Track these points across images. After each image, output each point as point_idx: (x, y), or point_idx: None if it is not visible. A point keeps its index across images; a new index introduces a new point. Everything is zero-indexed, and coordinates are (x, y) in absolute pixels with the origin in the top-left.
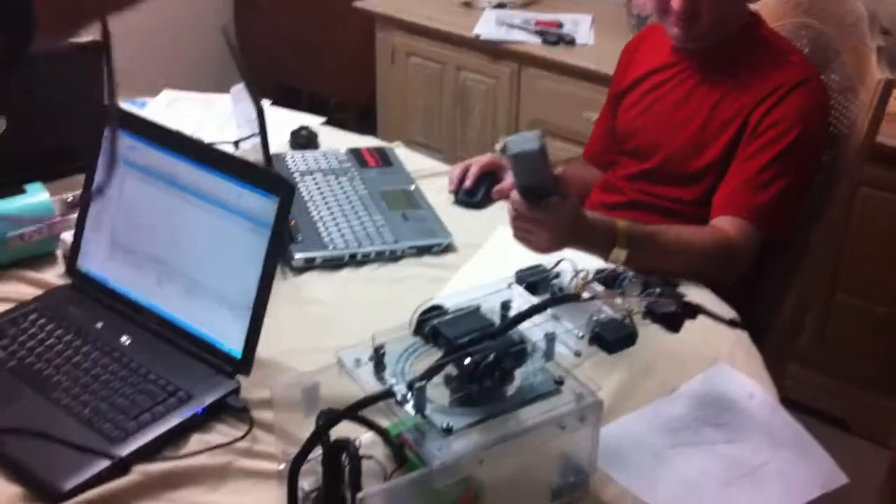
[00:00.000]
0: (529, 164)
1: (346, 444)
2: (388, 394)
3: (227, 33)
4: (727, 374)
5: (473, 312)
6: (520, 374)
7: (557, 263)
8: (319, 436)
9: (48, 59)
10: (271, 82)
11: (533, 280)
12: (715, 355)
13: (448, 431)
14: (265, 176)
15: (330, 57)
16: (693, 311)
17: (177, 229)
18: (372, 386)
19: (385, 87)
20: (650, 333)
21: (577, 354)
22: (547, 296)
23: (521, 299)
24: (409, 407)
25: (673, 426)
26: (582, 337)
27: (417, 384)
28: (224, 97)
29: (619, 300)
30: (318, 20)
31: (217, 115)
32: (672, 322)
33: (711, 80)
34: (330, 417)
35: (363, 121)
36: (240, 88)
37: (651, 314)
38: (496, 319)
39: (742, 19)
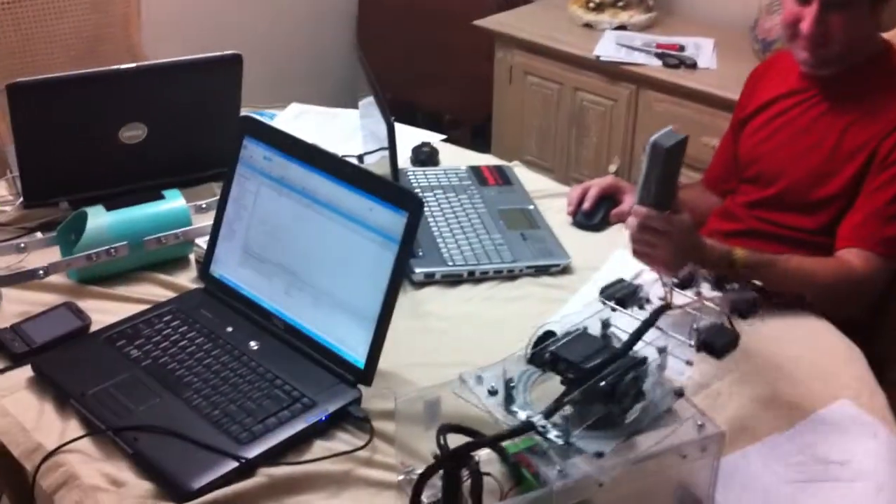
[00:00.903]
0: (669, 158)
1: (468, 460)
2: (530, 426)
3: (360, 51)
4: (850, 411)
5: (584, 335)
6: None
7: (637, 276)
8: (452, 457)
9: (187, 70)
10: (388, 98)
11: (620, 295)
12: (837, 392)
13: (600, 455)
14: (396, 191)
15: (447, 74)
16: (769, 295)
17: (307, 240)
18: (495, 410)
19: (501, 106)
20: (775, 361)
21: (689, 363)
22: (636, 308)
23: (617, 316)
24: (552, 436)
25: (792, 461)
26: (691, 346)
27: (560, 412)
28: (348, 112)
29: (712, 305)
30: (437, 38)
31: (341, 129)
32: (752, 309)
33: (840, 108)
34: (471, 444)
35: (477, 138)
36: (367, 103)
37: (736, 310)
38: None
39: (874, 47)
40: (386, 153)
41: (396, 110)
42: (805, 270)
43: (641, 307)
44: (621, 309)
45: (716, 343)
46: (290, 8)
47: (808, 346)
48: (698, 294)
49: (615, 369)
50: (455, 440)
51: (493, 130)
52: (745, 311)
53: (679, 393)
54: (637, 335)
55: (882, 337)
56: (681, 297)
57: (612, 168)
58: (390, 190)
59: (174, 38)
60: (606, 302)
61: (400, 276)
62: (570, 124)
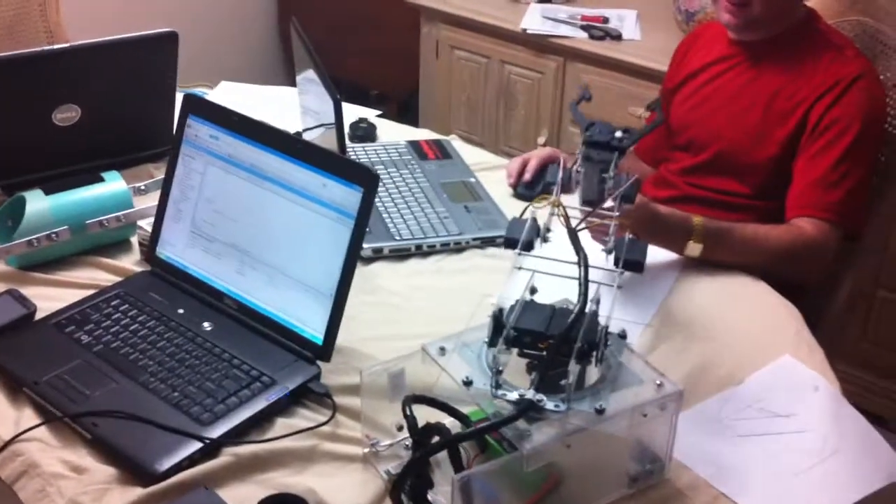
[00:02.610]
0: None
1: (440, 429)
2: (530, 405)
3: (297, 26)
4: (792, 366)
5: (529, 304)
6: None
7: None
8: (426, 430)
9: (122, 49)
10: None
11: (527, 239)
12: (778, 348)
13: (601, 412)
14: (350, 167)
15: (372, 49)
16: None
17: (259, 218)
18: (458, 375)
19: (428, 80)
20: (717, 322)
21: (620, 287)
22: (542, 244)
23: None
24: (551, 406)
25: (742, 416)
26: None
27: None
28: (279, 89)
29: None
30: (361, 11)
31: (274, 107)
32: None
33: (768, 73)
34: (466, 433)
35: (403, 113)
36: (306, 79)
37: (626, 199)
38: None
39: (796, 13)
40: (324, 130)
41: None
42: (760, 237)
43: (545, 240)
44: (528, 254)
45: (636, 258)
46: None
47: (748, 305)
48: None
49: (577, 328)
50: (419, 411)
51: (420, 105)
52: (632, 194)
53: (622, 335)
54: (585, 289)
55: (811, 296)
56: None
57: (541, 140)
58: (345, 166)
59: (94, 18)
60: (518, 252)
61: (356, 252)
62: (498, 97)
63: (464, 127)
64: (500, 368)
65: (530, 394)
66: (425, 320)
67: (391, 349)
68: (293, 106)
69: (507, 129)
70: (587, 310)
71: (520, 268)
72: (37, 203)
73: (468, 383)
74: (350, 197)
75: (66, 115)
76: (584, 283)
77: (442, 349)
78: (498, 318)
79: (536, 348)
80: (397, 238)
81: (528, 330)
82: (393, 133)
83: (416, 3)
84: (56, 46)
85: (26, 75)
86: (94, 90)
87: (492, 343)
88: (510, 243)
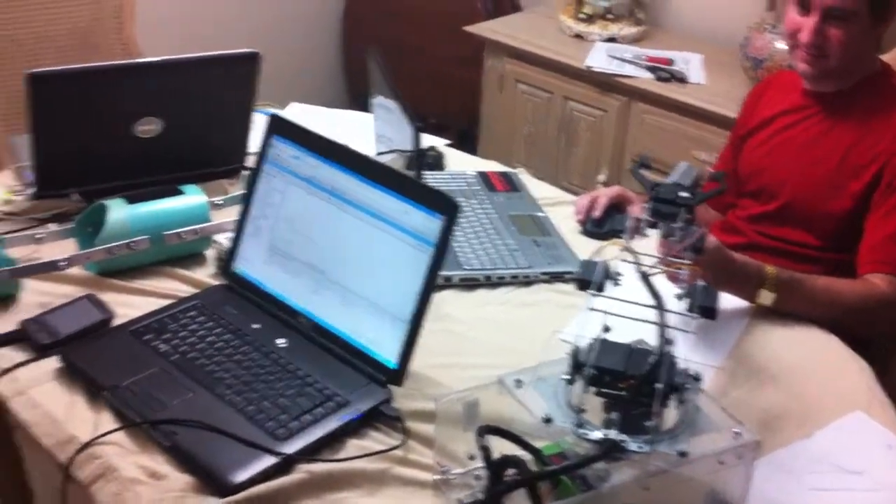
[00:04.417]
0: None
1: (517, 463)
2: (613, 446)
3: (376, 55)
4: (864, 423)
5: (606, 343)
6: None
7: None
8: (502, 462)
9: (205, 66)
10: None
11: (598, 280)
12: (850, 403)
13: (683, 455)
14: (432, 194)
15: (433, 77)
16: None
17: (337, 240)
18: (537, 411)
19: (490, 112)
20: (787, 372)
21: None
22: (612, 286)
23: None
24: (635, 447)
25: (813, 469)
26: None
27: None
28: (347, 112)
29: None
30: (425, 41)
31: (340, 129)
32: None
33: (843, 126)
34: (550, 471)
35: (461, 143)
36: (381, 105)
37: (694, 249)
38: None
39: (872, 66)
40: (397, 156)
41: None
42: (833, 291)
43: (617, 283)
44: (602, 295)
45: (709, 304)
46: (279, 7)
47: (819, 358)
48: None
49: (659, 369)
50: (491, 441)
51: (480, 136)
52: (700, 245)
53: (696, 378)
54: (664, 333)
55: (879, 349)
56: (646, 260)
57: (601, 178)
58: (426, 193)
59: (168, 34)
60: (591, 292)
61: (434, 279)
62: (559, 133)
63: (523, 161)
64: (584, 408)
65: (613, 434)
66: (492, 351)
67: (458, 377)
68: (359, 129)
69: (567, 165)
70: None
71: (593, 309)
72: (119, 212)
73: (548, 420)
74: (430, 224)
75: (148, 127)
76: (663, 327)
77: (518, 382)
78: (576, 355)
79: (616, 387)
80: (466, 268)
81: (608, 369)
82: (460, 163)
83: (482, 36)
84: (142, 60)
85: (114, 86)
86: (175, 104)
87: (571, 380)
88: (583, 284)
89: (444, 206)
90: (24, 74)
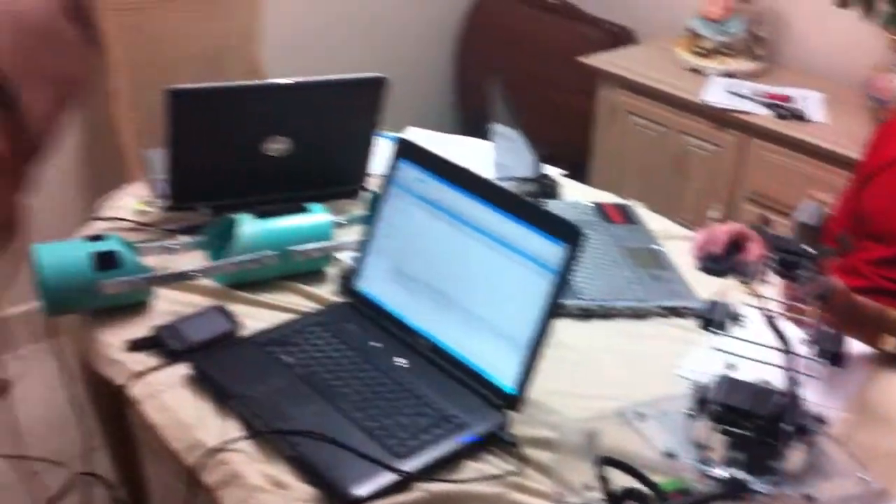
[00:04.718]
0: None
1: (640, 497)
2: (739, 485)
3: (500, 86)
4: None
5: (733, 381)
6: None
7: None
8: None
9: (335, 88)
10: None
11: (720, 319)
12: None
13: (811, 500)
14: (556, 222)
15: (545, 107)
16: None
17: (460, 263)
18: (659, 445)
19: (601, 144)
20: None
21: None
22: (736, 328)
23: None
24: (760, 488)
25: None
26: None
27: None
28: (464, 139)
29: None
30: (537, 71)
31: (459, 156)
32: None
33: None
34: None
35: (572, 174)
36: (500, 133)
37: (821, 297)
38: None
39: None
40: (515, 183)
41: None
42: None
43: (740, 325)
44: (726, 334)
45: (836, 350)
46: (395, 34)
47: None
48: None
49: (788, 411)
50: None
51: (591, 168)
52: (826, 294)
53: (822, 421)
54: (792, 377)
55: None
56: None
57: (713, 214)
58: (550, 220)
59: (290, 57)
60: (712, 330)
61: (555, 306)
62: (672, 167)
63: (634, 194)
64: (709, 445)
65: (737, 473)
66: (608, 382)
67: (573, 406)
68: (474, 155)
69: (678, 200)
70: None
71: (717, 349)
72: (248, 226)
73: (671, 455)
74: (553, 251)
75: (276, 145)
76: (791, 371)
77: (640, 414)
78: (701, 391)
79: (741, 426)
80: (582, 297)
81: (734, 407)
82: (575, 193)
83: (595, 67)
84: (275, 81)
85: (245, 105)
86: (303, 124)
87: (694, 416)
88: (707, 323)
89: (568, 233)
90: (164, 90)
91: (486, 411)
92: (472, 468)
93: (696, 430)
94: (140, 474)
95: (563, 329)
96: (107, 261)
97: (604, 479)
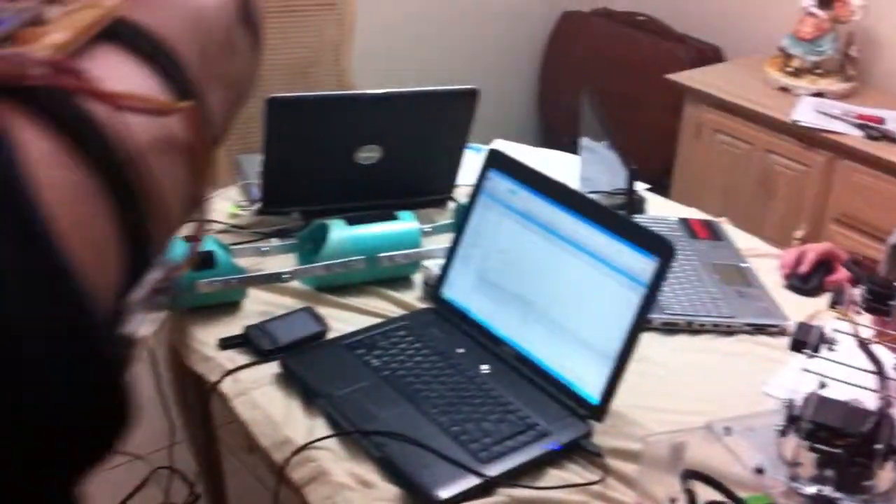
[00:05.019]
0: None
1: None
2: (829, 503)
3: (591, 98)
4: None
5: (825, 399)
6: None
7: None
8: None
9: (428, 99)
10: (570, 140)
11: (813, 342)
12: None
13: None
14: (647, 236)
15: (628, 123)
16: None
17: (548, 274)
18: (747, 460)
19: (685, 160)
20: None
21: None
22: (828, 349)
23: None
24: None
25: None
26: None
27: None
28: (551, 152)
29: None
30: (622, 87)
31: (548, 169)
32: None
33: None
34: None
35: (653, 190)
36: (589, 146)
37: None
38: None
39: None
40: (601, 197)
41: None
42: None
43: (832, 348)
44: (819, 355)
45: None
46: (481, 47)
47: None
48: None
49: (881, 430)
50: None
51: (673, 184)
52: None
53: None
54: (886, 397)
55: None
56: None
57: (799, 234)
58: (641, 234)
59: (377, 68)
60: (805, 352)
61: (644, 319)
62: (757, 186)
63: (717, 211)
64: (799, 461)
65: (828, 490)
66: (692, 397)
67: (657, 420)
68: (559, 168)
69: (762, 219)
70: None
71: (807, 370)
72: (340, 232)
73: (760, 471)
74: (644, 265)
75: (369, 154)
76: (884, 393)
77: (727, 429)
78: (792, 408)
79: (832, 444)
80: (668, 312)
81: (825, 425)
82: (660, 208)
83: (683, 84)
84: (370, 91)
85: (342, 113)
86: (395, 134)
87: (784, 432)
88: (798, 345)
89: (660, 247)
90: (263, 98)
91: (569, 420)
92: (554, 476)
93: (786, 446)
94: (219, 469)
95: (647, 343)
96: (203, 260)
97: (690, 493)
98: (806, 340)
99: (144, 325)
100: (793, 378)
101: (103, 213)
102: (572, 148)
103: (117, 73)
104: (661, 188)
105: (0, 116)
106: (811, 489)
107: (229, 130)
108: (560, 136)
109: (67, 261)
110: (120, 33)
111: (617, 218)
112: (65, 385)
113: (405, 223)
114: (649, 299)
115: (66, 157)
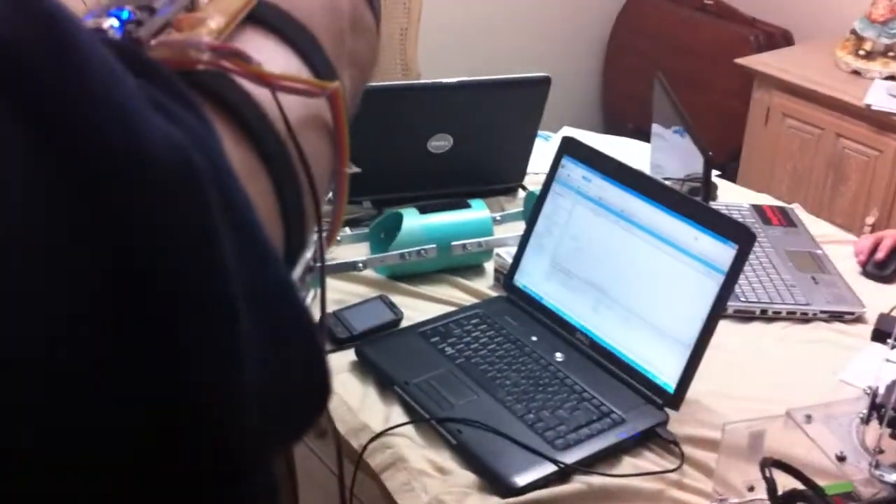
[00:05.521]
0: None
1: (806, 498)
2: None
3: (663, 81)
4: None
5: None
6: None
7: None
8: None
9: (500, 88)
10: (630, 128)
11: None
12: None
13: None
14: (727, 223)
15: (695, 108)
16: None
17: (622, 261)
18: (828, 448)
19: (753, 146)
20: None
21: None
22: None
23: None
24: None
25: None
26: None
27: None
28: (620, 139)
29: None
30: (690, 71)
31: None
32: None
33: None
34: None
35: (721, 177)
36: (660, 133)
37: None
38: None
39: None
40: (672, 183)
41: (641, 140)
42: None
43: None
44: None
45: None
46: (546, 34)
47: None
48: None
49: None
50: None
51: (740, 169)
52: None
53: None
54: None
55: None
56: None
57: (870, 220)
58: (720, 221)
59: (441, 56)
60: (891, 342)
61: (722, 307)
62: (827, 171)
63: (785, 197)
64: (882, 449)
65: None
66: (768, 385)
67: (733, 408)
68: (628, 155)
69: (832, 205)
70: None
71: (890, 361)
72: (413, 220)
73: (842, 458)
74: (723, 252)
75: (440, 143)
76: None
77: (808, 417)
78: (875, 396)
79: None
80: (742, 299)
81: None
82: (731, 194)
83: (752, 69)
84: (444, 80)
85: (415, 103)
86: (467, 123)
87: (866, 420)
88: (880, 335)
89: (738, 234)
90: None
91: (644, 408)
92: (630, 464)
93: (868, 434)
94: (290, 455)
95: (722, 331)
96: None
97: (769, 481)
98: (889, 331)
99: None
100: (871, 366)
101: (266, 194)
102: (636, 134)
103: (267, 55)
104: (728, 173)
105: (200, 105)
106: (893, 477)
107: (355, 109)
108: (624, 123)
109: (272, 245)
110: (264, 16)
111: (694, 204)
112: (294, 363)
113: (477, 211)
114: (728, 287)
115: (235, 138)
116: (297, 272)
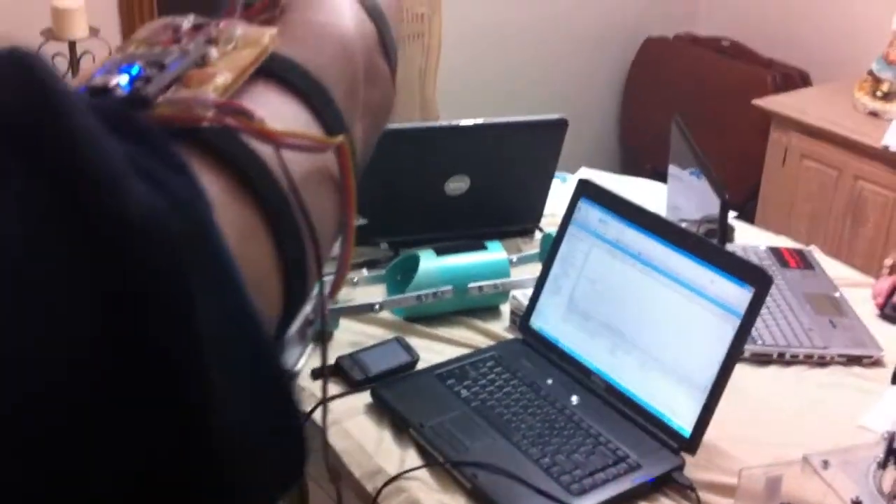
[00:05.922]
0: None
1: None
2: None
3: (680, 123)
4: None
5: None
6: None
7: None
8: None
9: (517, 129)
10: (647, 168)
11: None
12: None
13: None
14: (743, 265)
15: (712, 149)
16: None
17: (639, 304)
18: (845, 494)
19: (771, 187)
20: None
21: None
22: None
23: None
24: None
25: None
26: None
27: None
28: (636, 180)
29: None
30: (708, 112)
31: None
32: None
33: None
34: None
35: (738, 218)
36: (677, 175)
37: None
38: None
39: None
40: (688, 225)
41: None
42: None
43: None
44: None
45: None
46: (565, 76)
47: None
48: None
49: None
50: None
51: (758, 210)
52: None
53: None
54: None
55: None
56: None
57: (888, 262)
58: (736, 263)
59: (462, 96)
60: None
61: (738, 350)
62: (845, 212)
63: (803, 238)
64: None
65: None
66: (786, 429)
67: (750, 452)
68: (644, 197)
69: (851, 246)
70: None
71: None
72: (429, 262)
73: (857, 503)
74: (739, 295)
75: (457, 184)
76: None
77: (825, 462)
78: (892, 441)
79: None
80: (759, 342)
81: None
82: (748, 236)
83: (769, 109)
84: (461, 122)
85: (432, 144)
86: (483, 164)
87: (884, 465)
88: None
89: (754, 277)
90: None
91: (660, 453)
92: None
93: (886, 479)
94: (306, 498)
95: (739, 375)
96: None
97: None
98: None
99: (299, 359)
100: (889, 410)
101: (267, 251)
102: (654, 175)
103: (275, 110)
104: (746, 213)
105: (190, 162)
106: None
107: (368, 158)
108: (642, 164)
109: (255, 306)
110: (275, 70)
111: (710, 247)
112: (266, 428)
113: (494, 253)
114: (744, 330)
115: (236, 196)
116: (295, 326)
